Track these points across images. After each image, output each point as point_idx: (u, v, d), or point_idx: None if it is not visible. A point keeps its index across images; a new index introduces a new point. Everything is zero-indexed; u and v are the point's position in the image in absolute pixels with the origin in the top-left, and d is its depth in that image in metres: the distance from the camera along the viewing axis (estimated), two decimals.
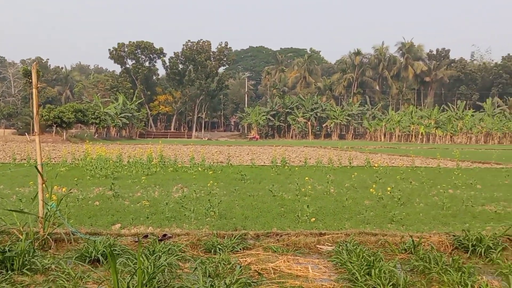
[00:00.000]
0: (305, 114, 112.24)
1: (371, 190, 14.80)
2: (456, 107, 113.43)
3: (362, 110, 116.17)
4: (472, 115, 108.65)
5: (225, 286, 6.24)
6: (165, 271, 6.86)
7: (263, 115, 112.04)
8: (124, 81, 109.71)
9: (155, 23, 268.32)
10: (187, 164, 26.00)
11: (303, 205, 12.08)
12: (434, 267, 7.34)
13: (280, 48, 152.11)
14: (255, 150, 50.32)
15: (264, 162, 29.68)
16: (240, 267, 7.23)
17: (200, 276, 6.59)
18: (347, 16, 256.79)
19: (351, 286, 6.68)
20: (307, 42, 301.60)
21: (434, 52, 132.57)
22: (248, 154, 40.40)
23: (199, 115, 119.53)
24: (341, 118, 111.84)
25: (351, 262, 7.35)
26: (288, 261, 7.87)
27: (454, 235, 9.03)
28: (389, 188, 15.30)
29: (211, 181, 16.27)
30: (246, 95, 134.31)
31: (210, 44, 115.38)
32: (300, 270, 7.47)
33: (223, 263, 7.41)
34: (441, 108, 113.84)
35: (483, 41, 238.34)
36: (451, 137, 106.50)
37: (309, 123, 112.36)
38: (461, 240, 8.80)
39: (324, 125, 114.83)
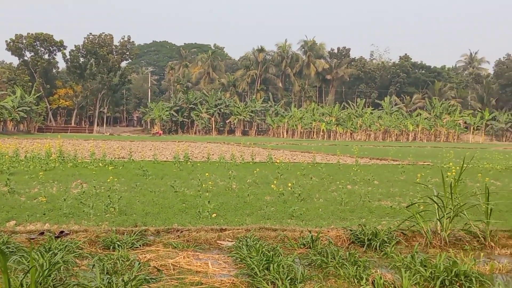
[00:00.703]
0: (208, 110, 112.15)
1: (272, 186, 14.98)
2: (356, 104, 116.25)
3: (265, 107, 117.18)
4: (371, 113, 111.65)
5: (123, 283, 6.15)
6: (61, 269, 6.69)
7: (167, 111, 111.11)
8: (22, 74, 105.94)
9: (56, 16, 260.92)
10: (87, 159, 25.44)
11: (204, 201, 12.08)
12: (331, 261, 7.51)
13: (184, 44, 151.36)
14: (158, 145, 49.87)
15: (167, 158, 29.46)
16: (139, 263, 7.15)
17: (98, 273, 6.47)
18: (251, 13, 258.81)
19: (250, 281, 6.73)
20: (211, 38, 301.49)
21: (335, 51, 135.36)
22: (150, 149, 39.98)
23: (101, 109, 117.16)
24: (244, 114, 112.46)
25: (250, 257, 7.40)
26: (188, 257, 7.85)
27: (351, 230, 9.27)
28: (290, 184, 15.51)
29: (111, 177, 15.98)
30: (149, 90, 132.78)
31: (112, 37, 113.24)
32: (200, 266, 7.47)
33: (122, 260, 7.30)
34: (342, 105, 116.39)
35: (382, 41, 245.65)
36: (351, 134, 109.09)
37: (212, 119, 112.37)
38: (357, 235, 9.05)
39: (227, 121, 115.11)
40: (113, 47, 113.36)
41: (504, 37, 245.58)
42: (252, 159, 27.90)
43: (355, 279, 6.76)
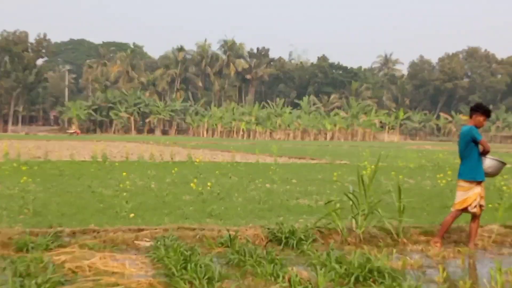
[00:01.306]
0: (128, 109, 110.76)
1: (191, 185, 14.95)
2: (275, 104, 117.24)
3: (185, 106, 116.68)
4: (290, 113, 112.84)
5: (36, 285, 6.02)
6: None
7: (85, 110, 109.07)
8: None
9: None
10: (0, 160, 24.72)
11: (122, 201, 11.96)
12: (249, 259, 7.56)
13: (103, 42, 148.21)
14: (75, 145, 48.96)
15: (85, 158, 28.96)
16: (54, 265, 7.01)
17: (10, 276, 6.31)
18: (171, 12, 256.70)
19: (168, 281, 6.71)
20: (130, 36, 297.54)
21: (255, 51, 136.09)
22: (68, 149, 39.16)
23: (16, 108, 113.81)
24: (164, 113, 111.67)
25: (168, 257, 7.37)
26: (105, 258, 7.74)
27: (269, 228, 9.36)
28: (209, 183, 15.53)
29: (25, 177, 15.59)
30: (66, 89, 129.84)
31: (28, 34, 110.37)
32: (116, 266, 7.38)
33: (36, 262, 7.13)
34: (261, 105, 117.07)
35: (300, 42, 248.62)
36: (270, 133, 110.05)
37: (132, 118, 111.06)
38: (275, 233, 9.14)
39: (147, 120, 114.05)
40: (29, 44, 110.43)
41: (417, 39, 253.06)
42: (172, 158, 27.76)
43: (272, 277, 6.83)
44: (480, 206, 9.28)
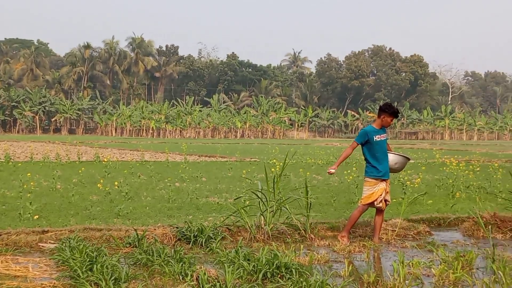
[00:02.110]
0: (32, 108, 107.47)
1: (98, 185, 14.66)
2: (185, 102, 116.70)
3: (93, 105, 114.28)
4: (200, 111, 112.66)
5: None
6: None
7: None
8: None
9: None
10: None
11: (26, 202, 11.59)
12: (157, 259, 7.50)
13: (5, 39, 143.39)
14: None
15: None
16: None
17: None
18: (76, 8, 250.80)
19: (73, 283, 6.56)
20: (34, 33, 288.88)
21: (164, 48, 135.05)
22: None
23: None
24: (71, 112, 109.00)
25: (73, 259, 7.21)
26: (7, 261, 7.49)
27: (177, 227, 9.30)
28: (116, 183, 15.27)
29: None
30: None
31: None
32: (19, 270, 7.15)
33: None
34: (171, 103, 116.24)
35: (210, 40, 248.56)
36: (180, 131, 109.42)
37: (37, 117, 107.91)
38: (184, 232, 9.09)
39: (53, 119, 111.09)
40: None
41: (325, 38, 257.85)
42: (79, 158, 27.15)
43: (180, 276, 6.80)
44: (385, 201, 9.55)
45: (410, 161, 10.70)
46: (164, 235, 9.09)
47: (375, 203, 9.41)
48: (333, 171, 9.57)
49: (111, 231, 9.15)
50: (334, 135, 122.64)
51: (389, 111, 9.47)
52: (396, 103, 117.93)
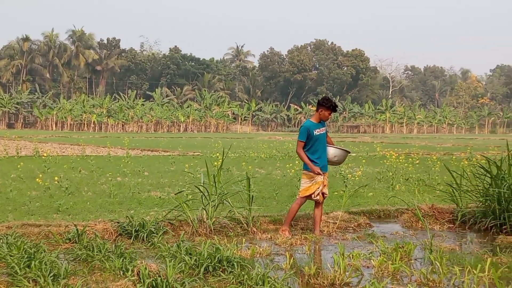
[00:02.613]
0: None
1: (38, 180, 14.41)
2: (128, 96, 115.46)
3: (32, 98, 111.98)
4: (143, 104, 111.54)
5: None
6: None
7: None
8: None
9: None
10: None
11: None
12: (97, 254, 7.42)
13: None
14: None
15: None
16: None
17: None
18: (14, 0, 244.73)
19: (10, 280, 6.43)
20: None
21: (105, 41, 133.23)
22: None
23: None
24: (9, 106, 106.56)
25: (11, 255, 7.06)
26: None
27: (118, 222, 9.21)
28: (56, 178, 15.01)
29: None
30: None
31: None
32: None
33: None
34: (113, 97, 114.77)
35: (152, 33, 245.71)
36: (123, 125, 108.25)
37: None
38: (125, 227, 9.01)
39: None
40: None
41: (267, 32, 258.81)
42: (17, 153, 26.55)
43: (121, 271, 6.74)
44: (323, 194, 9.63)
45: (351, 154, 10.84)
46: (105, 230, 8.99)
47: (313, 196, 9.49)
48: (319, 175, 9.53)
49: (50, 227, 8.99)
50: (277, 128, 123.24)
51: (327, 105, 9.49)
52: (338, 97, 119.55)
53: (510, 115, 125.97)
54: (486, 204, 10.48)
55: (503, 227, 9.90)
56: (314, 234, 9.55)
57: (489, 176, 10.56)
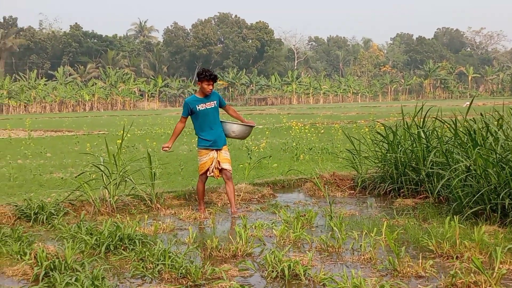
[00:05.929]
0: None
1: None
2: (28, 76, 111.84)
3: None
4: (45, 84, 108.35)
5: None
6: None
7: None
8: None
9: None
10: None
11: None
12: None
13: None
14: None
15: None
16: None
17: None
18: None
19: None
20: None
21: (1, 20, 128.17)
22: None
23: None
24: None
25: None
26: None
27: (16, 205, 8.95)
28: None
29: None
30: None
31: None
32: None
33: None
34: (13, 77, 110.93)
35: (50, 11, 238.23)
36: (25, 107, 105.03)
37: None
38: (23, 210, 8.77)
39: None
40: None
41: (171, 7, 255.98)
42: None
43: (19, 255, 6.58)
44: (223, 169, 9.36)
45: (257, 127, 10.86)
46: (2, 214, 8.73)
47: (208, 172, 9.35)
48: (167, 148, 9.50)
49: None
50: None
51: (202, 76, 9.17)
52: (244, 70, 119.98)
53: (411, 82, 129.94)
54: (384, 169, 10.81)
55: (401, 190, 10.24)
56: (232, 213, 9.32)
57: (386, 142, 10.88)
